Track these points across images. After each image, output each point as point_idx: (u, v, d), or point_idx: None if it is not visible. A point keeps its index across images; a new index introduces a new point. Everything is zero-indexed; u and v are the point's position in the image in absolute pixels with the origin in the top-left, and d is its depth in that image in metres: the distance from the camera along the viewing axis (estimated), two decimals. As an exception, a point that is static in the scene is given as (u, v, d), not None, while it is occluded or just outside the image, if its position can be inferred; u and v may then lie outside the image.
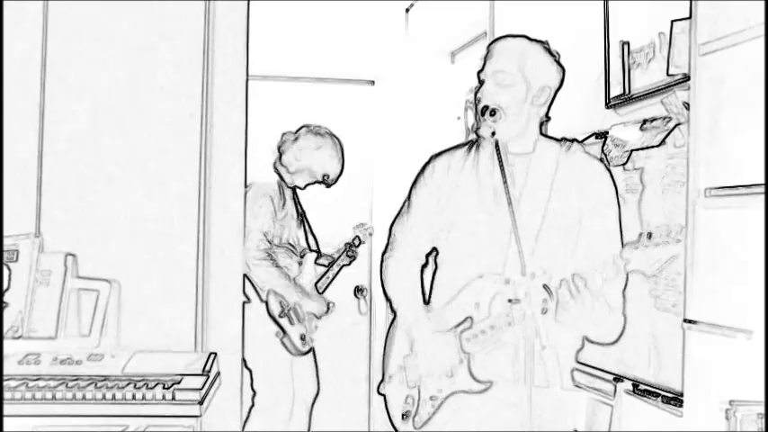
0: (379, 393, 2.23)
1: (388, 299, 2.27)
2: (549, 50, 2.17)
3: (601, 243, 2.11)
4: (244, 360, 2.53)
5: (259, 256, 2.64)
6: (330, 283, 2.75)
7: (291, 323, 2.67)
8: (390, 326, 2.26)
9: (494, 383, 2.14)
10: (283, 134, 2.78)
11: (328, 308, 2.74)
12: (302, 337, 2.68)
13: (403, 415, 2.19)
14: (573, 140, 2.20)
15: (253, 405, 2.58)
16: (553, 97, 2.18)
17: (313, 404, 2.70)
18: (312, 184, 2.76)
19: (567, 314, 2.08)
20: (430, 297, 2.23)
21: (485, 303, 2.14)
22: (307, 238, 2.77)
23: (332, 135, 2.76)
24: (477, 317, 2.14)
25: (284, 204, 2.74)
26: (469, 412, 2.15)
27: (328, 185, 2.76)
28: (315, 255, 2.77)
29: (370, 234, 2.80)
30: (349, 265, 2.77)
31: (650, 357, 2.13)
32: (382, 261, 2.29)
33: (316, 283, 2.74)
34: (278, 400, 2.66)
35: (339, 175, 2.76)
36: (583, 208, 2.14)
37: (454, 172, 2.22)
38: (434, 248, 2.24)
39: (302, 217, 2.78)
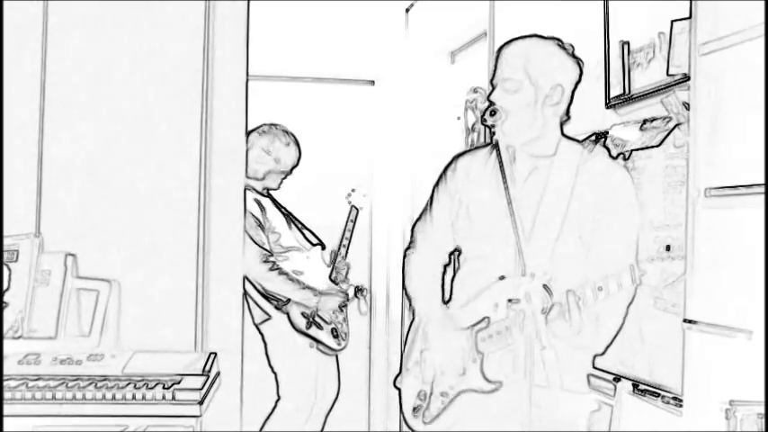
0: (395, 387, 2.25)
1: (407, 295, 2.27)
2: (562, 47, 2.17)
3: (616, 252, 2.11)
4: (270, 364, 2.54)
5: (266, 267, 2.64)
6: (347, 272, 2.75)
7: (321, 328, 2.66)
8: (413, 320, 2.26)
9: (503, 384, 2.15)
10: None
11: (347, 297, 2.74)
12: (335, 335, 2.68)
13: (414, 409, 2.20)
14: (596, 142, 2.19)
15: (275, 408, 2.59)
16: (572, 94, 2.17)
17: (332, 406, 2.70)
18: (284, 179, 2.76)
19: (556, 331, 2.10)
20: (450, 296, 2.23)
21: (503, 304, 2.14)
22: (304, 235, 2.77)
23: (275, 126, 2.75)
24: (495, 317, 2.15)
25: (266, 214, 2.73)
26: (479, 411, 2.16)
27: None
28: (319, 248, 2.77)
29: (364, 195, 2.79)
30: (349, 242, 2.76)
31: (650, 357, 2.13)
32: (405, 257, 2.29)
33: (329, 277, 2.74)
34: (301, 404, 2.67)
35: (298, 162, 2.76)
36: (601, 214, 2.13)
37: (475, 172, 2.22)
38: (457, 248, 2.25)
39: (288, 217, 2.77)
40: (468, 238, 2.21)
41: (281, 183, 2.75)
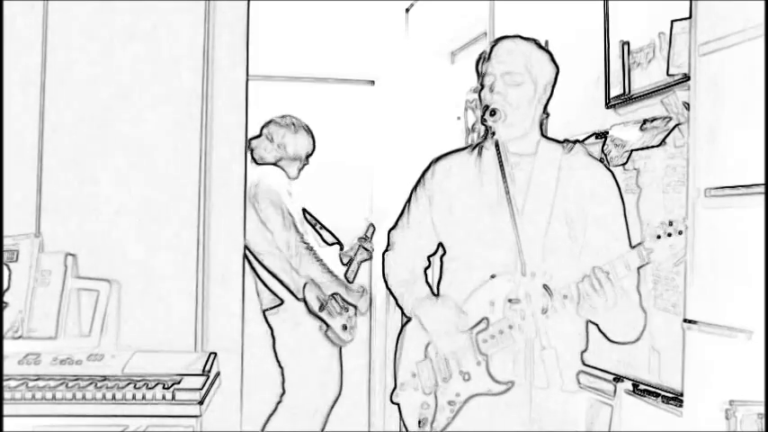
0: (393, 402, 2.22)
1: (392, 292, 2.26)
2: (542, 47, 2.19)
3: (607, 244, 2.11)
4: (276, 358, 2.55)
5: (297, 237, 2.65)
6: (356, 275, 2.76)
7: (332, 315, 2.67)
8: (399, 334, 2.25)
9: (515, 383, 2.13)
10: (261, 133, 2.79)
11: (363, 295, 2.75)
12: (344, 327, 2.69)
13: (420, 421, 2.17)
14: (575, 142, 2.20)
15: (280, 402, 2.60)
16: (550, 94, 2.19)
17: (333, 405, 2.70)
18: (302, 168, 2.79)
19: (590, 307, 2.07)
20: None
21: (499, 303, 2.14)
22: (320, 234, 2.78)
23: (286, 117, 2.79)
24: (493, 317, 2.14)
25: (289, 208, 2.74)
26: (484, 414, 2.14)
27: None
28: (337, 247, 2.78)
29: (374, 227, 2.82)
30: (369, 258, 2.78)
31: (650, 357, 2.13)
32: (383, 259, 2.29)
33: (345, 274, 2.75)
34: (305, 400, 2.67)
35: (313, 150, 2.82)
36: (586, 209, 2.14)
37: (455, 174, 2.22)
38: (442, 249, 2.23)
39: (306, 213, 2.78)
40: (453, 238, 2.20)
41: (300, 172, 2.78)
